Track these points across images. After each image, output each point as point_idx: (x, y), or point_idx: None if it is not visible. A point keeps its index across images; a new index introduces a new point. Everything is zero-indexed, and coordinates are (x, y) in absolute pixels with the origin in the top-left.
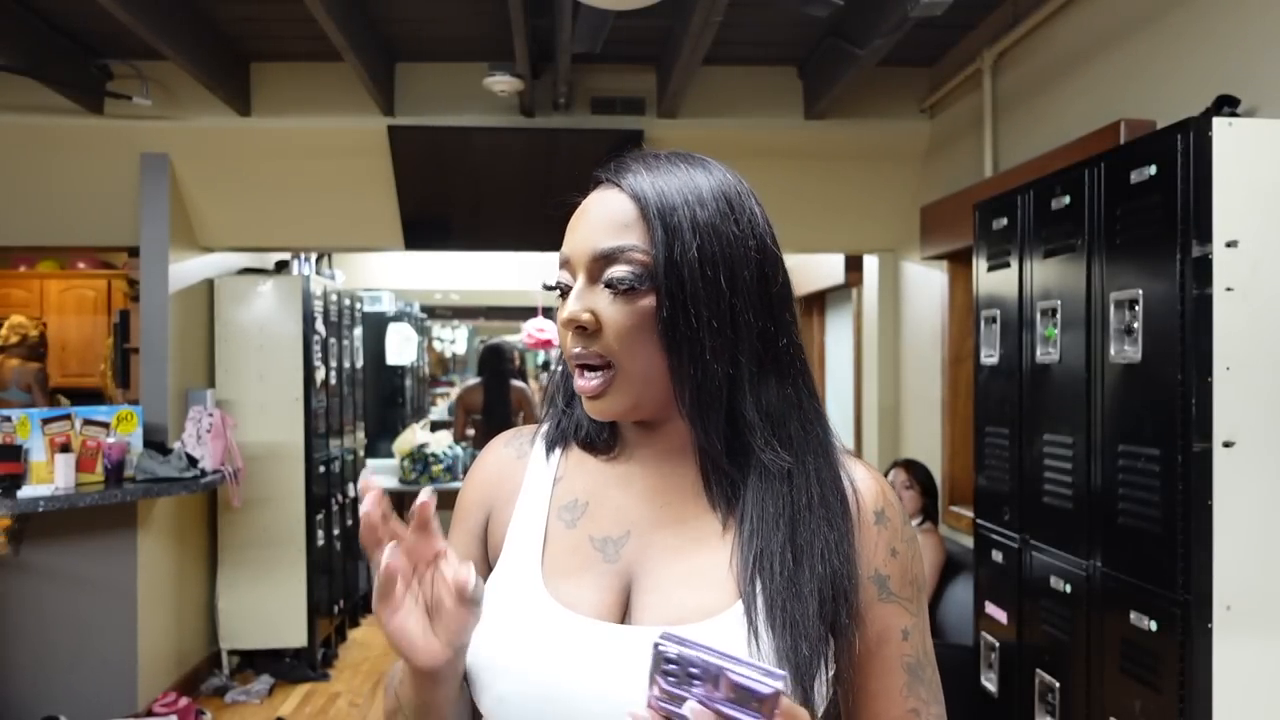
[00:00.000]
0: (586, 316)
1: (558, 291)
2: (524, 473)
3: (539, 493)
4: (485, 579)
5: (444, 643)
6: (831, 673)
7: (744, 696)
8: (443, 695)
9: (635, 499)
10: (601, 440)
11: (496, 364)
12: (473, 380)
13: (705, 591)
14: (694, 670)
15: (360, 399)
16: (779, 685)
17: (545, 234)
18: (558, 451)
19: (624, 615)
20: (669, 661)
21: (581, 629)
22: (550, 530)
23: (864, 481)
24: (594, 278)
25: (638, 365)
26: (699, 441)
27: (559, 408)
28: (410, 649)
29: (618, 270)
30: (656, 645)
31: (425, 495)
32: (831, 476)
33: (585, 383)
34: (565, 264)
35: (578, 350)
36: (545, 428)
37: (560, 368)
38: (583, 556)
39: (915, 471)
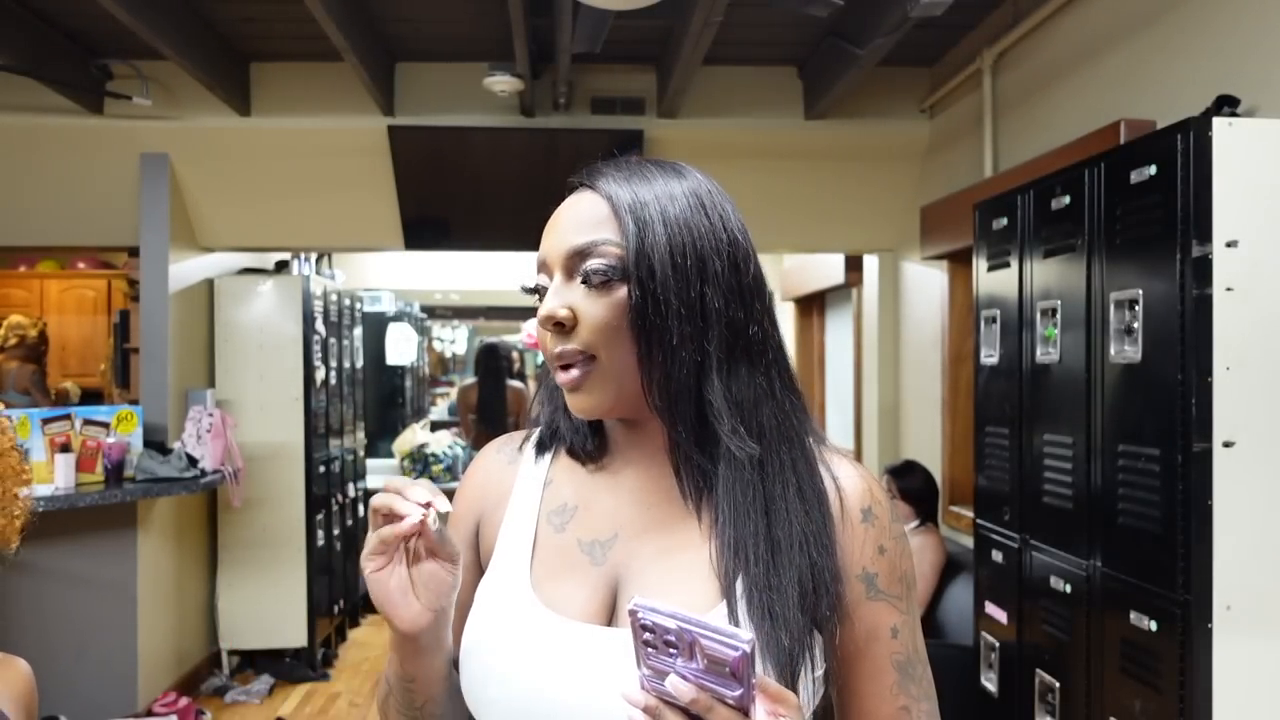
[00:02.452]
0: (564, 312)
1: (536, 295)
2: (514, 478)
3: (529, 497)
4: (477, 585)
5: (424, 604)
6: (820, 671)
7: (717, 664)
8: (427, 666)
9: (622, 502)
10: (590, 446)
11: (492, 363)
12: (470, 380)
13: (690, 591)
14: (669, 638)
15: (360, 399)
16: (745, 647)
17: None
18: (548, 456)
19: (610, 618)
20: (646, 630)
21: (568, 632)
22: (540, 534)
23: (850, 479)
24: (570, 274)
25: (616, 358)
26: (667, 430)
27: (550, 411)
28: (391, 607)
29: (592, 263)
30: (632, 612)
31: (424, 515)
32: (808, 469)
33: (565, 376)
34: (542, 266)
35: (558, 349)
36: (537, 432)
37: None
38: (571, 560)
39: (901, 479)
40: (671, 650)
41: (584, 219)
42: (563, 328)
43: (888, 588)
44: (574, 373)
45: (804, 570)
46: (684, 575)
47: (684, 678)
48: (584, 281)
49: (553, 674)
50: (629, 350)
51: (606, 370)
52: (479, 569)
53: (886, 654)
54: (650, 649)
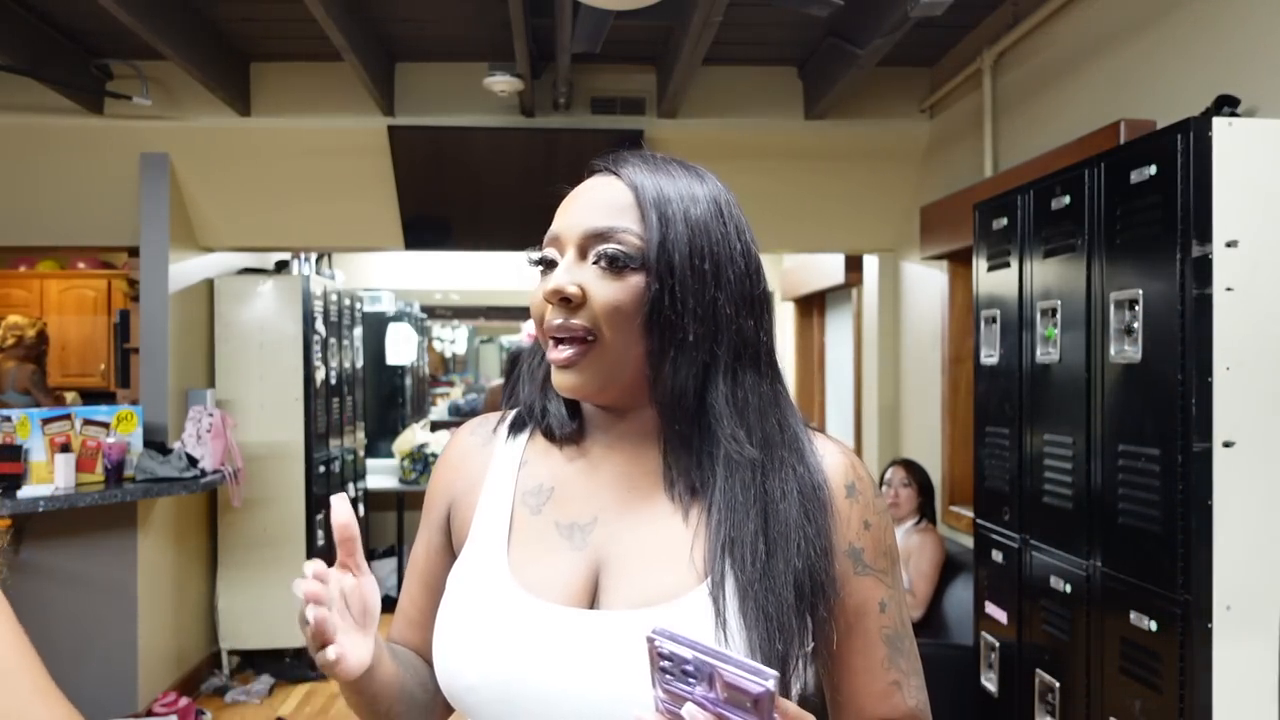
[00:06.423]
0: (573, 289)
1: (541, 266)
2: (489, 459)
3: (504, 478)
4: (449, 568)
5: (368, 632)
6: (809, 648)
7: (737, 696)
8: (382, 675)
9: (601, 485)
10: (569, 429)
11: (515, 366)
12: (497, 381)
13: (670, 574)
14: (687, 668)
15: (360, 399)
16: (770, 685)
17: (545, 233)
18: (522, 437)
19: (592, 601)
20: (663, 658)
21: (549, 615)
22: (515, 516)
23: (832, 457)
24: (583, 254)
25: (619, 342)
26: (664, 426)
27: (525, 392)
28: (356, 659)
29: (609, 247)
30: (650, 640)
31: (343, 512)
32: (808, 472)
33: (560, 353)
34: (553, 241)
35: (558, 322)
36: (511, 414)
37: (531, 354)
38: (549, 543)
39: (914, 471)
40: (690, 679)
41: (606, 203)
42: (569, 304)
43: (874, 562)
44: (570, 350)
45: (801, 573)
46: (664, 558)
47: (702, 706)
48: (596, 263)
49: (534, 658)
50: (635, 339)
51: (606, 353)
52: (451, 552)
53: (876, 629)
54: (668, 675)
